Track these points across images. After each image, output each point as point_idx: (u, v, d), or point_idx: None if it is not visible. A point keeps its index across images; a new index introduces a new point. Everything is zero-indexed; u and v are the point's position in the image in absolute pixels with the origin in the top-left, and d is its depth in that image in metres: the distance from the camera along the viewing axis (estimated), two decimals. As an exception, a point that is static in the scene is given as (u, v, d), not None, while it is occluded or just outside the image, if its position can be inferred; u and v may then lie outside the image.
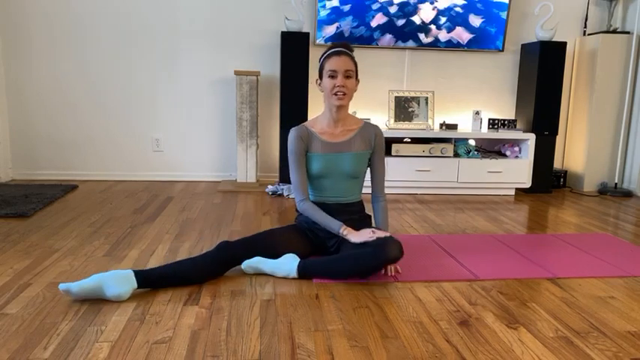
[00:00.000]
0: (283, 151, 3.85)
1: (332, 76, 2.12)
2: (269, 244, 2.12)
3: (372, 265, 1.98)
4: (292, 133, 2.21)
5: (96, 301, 1.81)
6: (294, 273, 2.03)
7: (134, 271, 1.88)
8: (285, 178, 3.86)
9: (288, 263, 2.05)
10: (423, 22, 4.07)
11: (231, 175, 4.24)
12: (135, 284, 1.85)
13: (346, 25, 4.00)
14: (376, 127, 2.28)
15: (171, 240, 2.56)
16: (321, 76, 2.19)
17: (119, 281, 1.82)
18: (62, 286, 1.78)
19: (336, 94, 2.12)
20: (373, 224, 2.31)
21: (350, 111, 4.19)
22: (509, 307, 1.86)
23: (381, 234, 2.03)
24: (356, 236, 2.06)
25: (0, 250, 2.34)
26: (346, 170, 2.21)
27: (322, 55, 2.19)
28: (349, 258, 2.01)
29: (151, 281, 1.90)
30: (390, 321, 1.72)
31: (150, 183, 4.08)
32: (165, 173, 4.20)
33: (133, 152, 4.14)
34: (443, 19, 4.07)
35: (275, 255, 2.11)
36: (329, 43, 3.99)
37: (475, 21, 4.11)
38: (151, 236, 2.62)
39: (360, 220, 2.26)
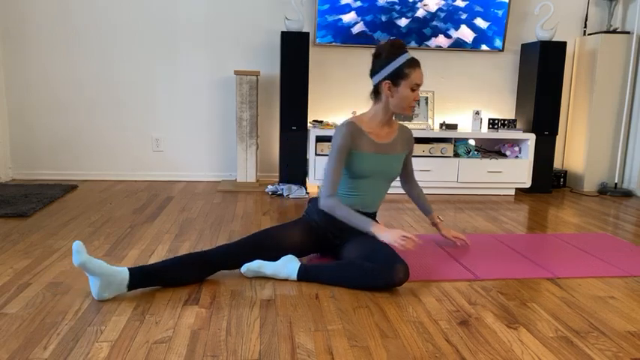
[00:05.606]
0: (283, 151, 3.85)
1: (413, 89, 2.09)
2: (268, 246, 2.08)
3: (376, 285, 1.94)
4: (344, 128, 2.12)
5: (96, 301, 1.81)
6: (294, 276, 2.03)
7: (128, 284, 1.84)
8: (284, 178, 3.86)
9: (289, 266, 2.04)
10: (423, 22, 4.07)
11: (231, 175, 4.24)
12: (124, 290, 1.84)
13: (347, 23, 4.00)
14: (409, 129, 2.34)
15: (171, 240, 2.56)
16: (394, 81, 2.09)
17: (109, 286, 1.81)
18: (77, 260, 1.76)
19: (411, 107, 2.14)
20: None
21: (349, 111, 4.22)
22: (509, 307, 1.86)
23: (410, 244, 1.97)
24: (385, 236, 2.00)
25: (0, 250, 2.34)
26: (391, 172, 2.21)
27: (401, 59, 2.07)
28: (352, 271, 1.97)
29: (147, 283, 1.90)
30: (390, 321, 1.72)
31: (150, 183, 4.08)
32: (165, 173, 4.20)
33: (132, 152, 4.14)
34: (443, 20, 4.07)
35: (276, 256, 2.09)
36: (333, 43, 4.00)
37: (475, 21, 4.11)
38: (151, 236, 2.62)
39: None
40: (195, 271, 1.97)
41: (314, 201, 2.27)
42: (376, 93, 2.17)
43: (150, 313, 1.73)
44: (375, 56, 2.14)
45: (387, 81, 2.10)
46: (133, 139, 4.13)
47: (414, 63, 2.09)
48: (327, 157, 3.74)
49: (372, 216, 2.28)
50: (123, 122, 4.09)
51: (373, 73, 2.15)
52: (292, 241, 2.13)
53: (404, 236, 1.98)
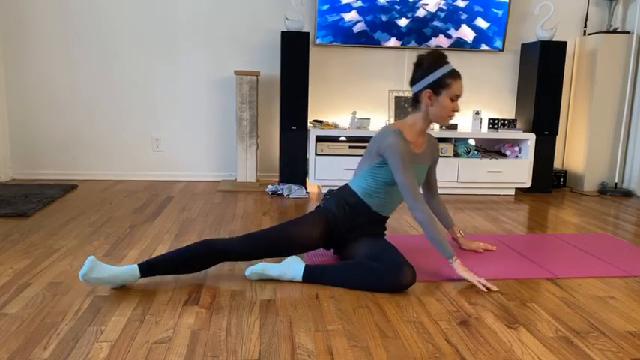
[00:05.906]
0: (283, 151, 3.85)
1: (453, 100, 2.10)
2: (286, 241, 2.08)
3: (382, 287, 1.95)
4: (396, 136, 2.08)
5: (96, 301, 1.81)
6: (299, 277, 2.03)
7: (139, 277, 1.93)
8: (284, 178, 3.86)
9: (294, 267, 2.04)
10: (423, 22, 4.07)
11: (231, 175, 4.24)
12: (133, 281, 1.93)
13: (348, 23, 4.00)
14: (435, 139, 2.35)
15: (171, 240, 2.56)
16: (435, 90, 2.09)
17: (119, 283, 1.91)
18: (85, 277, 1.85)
19: (449, 116, 2.14)
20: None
21: (350, 111, 4.22)
22: (509, 307, 1.86)
23: (489, 285, 2.01)
24: (464, 273, 2.02)
25: (0, 250, 2.34)
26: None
27: (443, 69, 2.08)
28: (358, 271, 1.98)
29: (156, 273, 1.95)
30: (390, 321, 1.72)
31: (150, 183, 4.08)
32: (165, 173, 4.20)
33: (132, 152, 4.14)
34: (443, 20, 4.07)
35: (289, 252, 2.10)
36: (334, 43, 4.00)
37: (475, 21, 4.11)
38: (151, 236, 2.62)
39: (378, 234, 2.24)
40: (204, 262, 1.99)
41: (333, 194, 2.24)
42: (415, 102, 2.16)
43: (150, 313, 1.73)
44: (417, 65, 2.13)
45: (427, 90, 2.10)
46: (132, 139, 4.13)
47: (455, 74, 2.10)
48: (327, 158, 3.77)
49: (384, 220, 2.27)
50: (123, 122, 4.10)
51: (414, 81, 2.14)
52: (311, 235, 2.11)
53: (479, 281, 2.01)
